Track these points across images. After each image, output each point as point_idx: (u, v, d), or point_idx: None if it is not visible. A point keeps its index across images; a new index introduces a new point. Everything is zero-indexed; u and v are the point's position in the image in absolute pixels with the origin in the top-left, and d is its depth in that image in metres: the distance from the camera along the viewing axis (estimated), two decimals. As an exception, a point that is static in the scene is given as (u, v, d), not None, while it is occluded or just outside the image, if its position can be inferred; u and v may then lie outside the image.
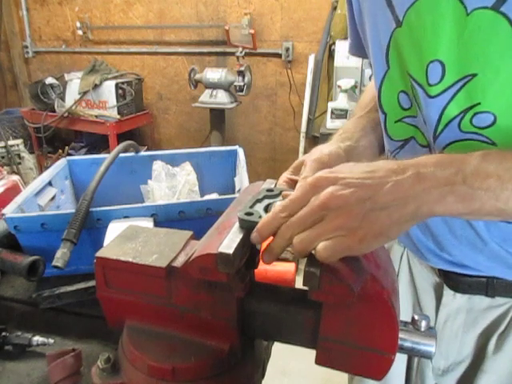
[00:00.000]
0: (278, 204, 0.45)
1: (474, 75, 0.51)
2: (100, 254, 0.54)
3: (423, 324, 0.45)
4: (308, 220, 0.42)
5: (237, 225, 0.48)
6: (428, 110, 0.56)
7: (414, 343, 0.45)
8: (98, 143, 3.26)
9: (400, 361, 0.46)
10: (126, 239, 0.57)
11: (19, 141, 3.08)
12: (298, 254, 0.43)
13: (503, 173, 0.42)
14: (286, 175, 0.59)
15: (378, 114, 0.72)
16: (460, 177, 0.42)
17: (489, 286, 0.64)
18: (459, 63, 0.51)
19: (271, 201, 0.52)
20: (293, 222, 0.43)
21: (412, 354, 0.46)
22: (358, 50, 0.75)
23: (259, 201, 0.52)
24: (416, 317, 0.46)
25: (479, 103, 0.51)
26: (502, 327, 0.65)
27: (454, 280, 0.67)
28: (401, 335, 0.44)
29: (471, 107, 0.52)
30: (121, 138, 2.85)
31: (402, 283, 0.78)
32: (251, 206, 0.50)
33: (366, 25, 0.65)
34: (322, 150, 0.61)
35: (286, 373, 1.89)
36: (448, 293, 0.69)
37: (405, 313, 0.78)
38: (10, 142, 2.99)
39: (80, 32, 3.38)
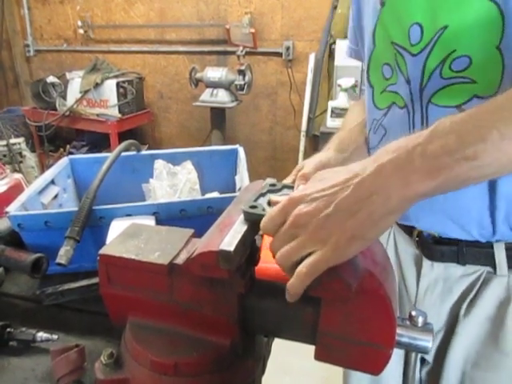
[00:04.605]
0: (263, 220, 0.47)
1: (446, 27, 0.58)
2: (103, 251, 0.55)
3: (420, 320, 0.46)
4: (282, 238, 0.45)
5: (237, 222, 0.49)
6: (412, 67, 0.63)
7: (410, 338, 0.46)
8: (99, 142, 3.26)
9: (397, 357, 0.47)
10: (129, 237, 0.58)
11: (21, 139, 3.09)
12: (282, 269, 0.46)
13: (459, 127, 0.40)
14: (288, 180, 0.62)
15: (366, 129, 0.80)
16: (417, 151, 0.40)
17: (459, 254, 0.68)
18: (432, 20, 0.59)
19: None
20: (272, 241, 0.46)
21: (409, 349, 0.47)
22: (356, 53, 0.86)
23: (263, 195, 0.54)
24: (413, 313, 0.47)
25: (454, 50, 0.58)
26: (472, 294, 0.69)
27: (429, 249, 0.72)
28: (398, 331, 0.45)
29: (448, 55, 0.59)
30: (122, 136, 2.86)
31: (390, 259, 0.81)
32: (255, 200, 0.52)
33: (363, 20, 0.74)
34: (321, 156, 0.65)
35: (287, 371, 1.90)
36: (427, 263, 0.73)
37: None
38: (12, 141, 3.00)
39: (81, 31, 3.39)
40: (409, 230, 0.76)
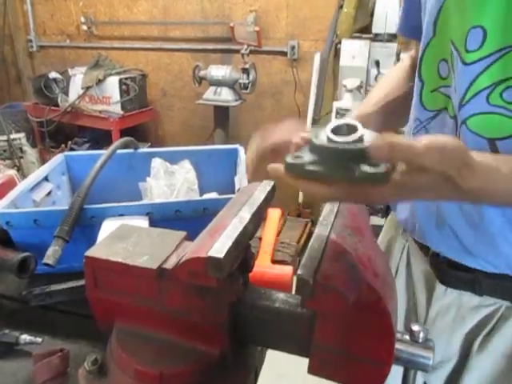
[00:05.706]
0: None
1: None
2: (89, 253, 0.53)
3: (421, 335, 0.43)
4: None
5: (230, 227, 0.47)
6: (460, 77, 0.54)
7: (410, 355, 0.43)
8: (101, 138, 3.24)
9: (395, 373, 0.45)
10: (117, 239, 0.56)
11: (21, 134, 3.09)
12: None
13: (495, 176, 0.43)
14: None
15: (388, 109, 0.72)
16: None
17: (476, 283, 0.63)
18: (502, 32, 0.49)
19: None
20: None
21: (409, 365, 0.45)
22: (408, 30, 0.74)
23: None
24: (414, 328, 0.44)
25: None
26: (488, 328, 0.64)
27: (443, 273, 0.67)
28: (397, 346, 0.43)
29: (504, 80, 0.50)
30: (124, 133, 2.83)
31: (401, 276, 0.78)
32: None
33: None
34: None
35: (285, 375, 1.88)
36: (440, 287, 0.68)
37: (399, 305, 0.77)
38: (12, 136, 2.99)
39: (84, 27, 3.37)
40: (424, 249, 0.71)
